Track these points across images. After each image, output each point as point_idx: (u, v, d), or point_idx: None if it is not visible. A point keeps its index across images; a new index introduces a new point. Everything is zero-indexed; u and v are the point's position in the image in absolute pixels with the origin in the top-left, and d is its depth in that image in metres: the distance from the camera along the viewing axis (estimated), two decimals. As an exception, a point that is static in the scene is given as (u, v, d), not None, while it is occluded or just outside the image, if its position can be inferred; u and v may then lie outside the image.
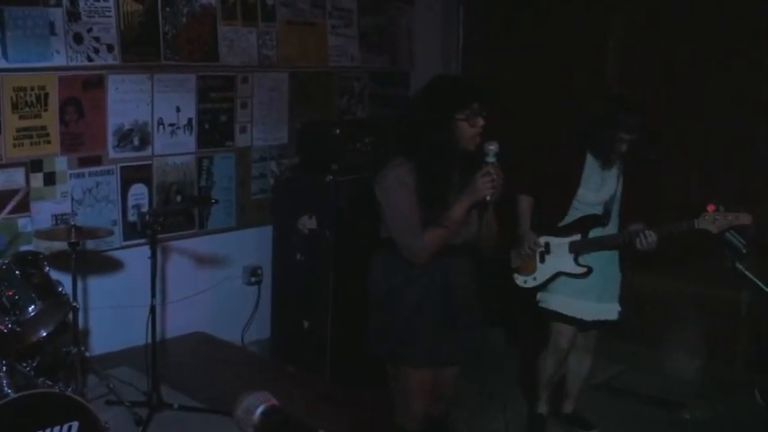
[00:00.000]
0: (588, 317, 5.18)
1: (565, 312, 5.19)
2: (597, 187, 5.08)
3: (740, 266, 3.64)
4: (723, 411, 5.91)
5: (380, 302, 4.06)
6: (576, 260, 5.10)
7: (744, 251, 3.69)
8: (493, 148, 3.86)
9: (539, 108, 6.72)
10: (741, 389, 6.09)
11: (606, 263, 5.15)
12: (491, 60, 7.33)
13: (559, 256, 5.14)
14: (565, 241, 5.12)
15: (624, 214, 5.06)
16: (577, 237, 5.11)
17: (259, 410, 1.96)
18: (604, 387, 6.33)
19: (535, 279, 5.24)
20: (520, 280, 5.29)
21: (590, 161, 5.09)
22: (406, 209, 3.87)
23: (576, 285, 5.14)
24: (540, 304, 5.27)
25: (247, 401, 1.99)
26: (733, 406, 5.97)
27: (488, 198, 3.85)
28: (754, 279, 3.63)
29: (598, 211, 5.09)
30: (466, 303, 4.09)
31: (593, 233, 5.09)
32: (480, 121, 3.87)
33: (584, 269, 5.09)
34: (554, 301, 5.20)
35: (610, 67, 6.70)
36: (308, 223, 6.12)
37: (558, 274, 5.15)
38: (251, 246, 6.61)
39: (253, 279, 6.63)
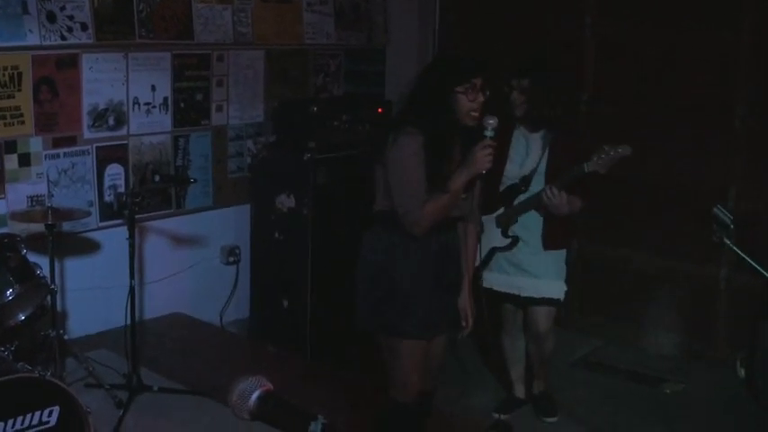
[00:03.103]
0: (523, 293, 5.13)
1: (498, 289, 5.14)
2: (522, 160, 5.02)
3: (728, 242, 3.63)
4: (701, 386, 5.95)
5: (374, 277, 4.01)
6: (503, 233, 5.07)
7: (732, 226, 3.66)
8: (492, 122, 3.83)
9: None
10: (719, 364, 6.13)
11: (530, 237, 5.06)
12: (467, 38, 7.29)
13: (490, 232, 5.07)
14: (492, 217, 5.07)
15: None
16: (501, 210, 5.08)
17: (255, 395, 1.92)
18: (581, 362, 6.33)
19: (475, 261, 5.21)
20: None
21: (515, 135, 5.04)
22: (414, 177, 3.82)
23: (507, 261, 5.11)
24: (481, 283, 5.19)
25: (242, 386, 1.94)
26: (711, 381, 6.01)
27: (484, 172, 3.84)
28: (743, 254, 3.62)
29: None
30: (456, 275, 4.10)
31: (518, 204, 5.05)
32: (480, 97, 3.84)
33: (510, 239, 5.06)
34: (489, 278, 5.14)
35: (586, 45, 6.68)
36: (286, 202, 6.08)
37: (492, 250, 5.09)
38: (228, 225, 6.58)
39: (231, 259, 6.59)
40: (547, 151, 4.97)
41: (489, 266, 5.13)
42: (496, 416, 5.39)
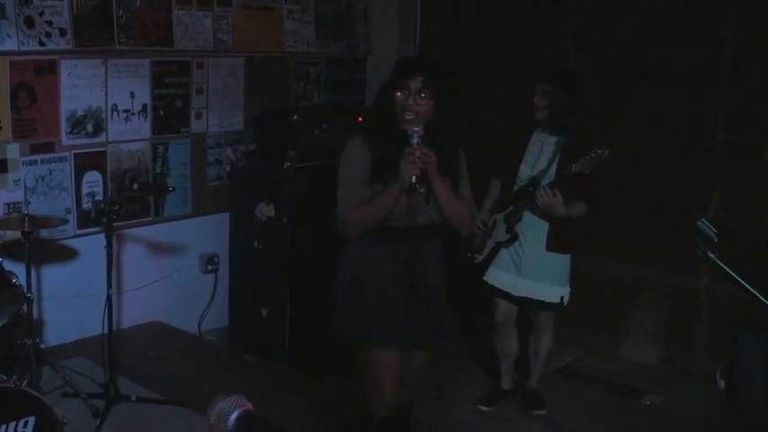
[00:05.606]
0: (516, 291, 5.30)
1: (495, 285, 5.34)
2: (534, 161, 5.19)
3: (712, 256, 3.61)
4: (681, 398, 5.95)
5: (346, 288, 4.02)
6: (507, 230, 5.25)
7: (716, 240, 3.64)
8: (417, 129, 3.71)
9: (498, 92, 6.71)
10: (700, 375, 6.13)
11: (534, 238, 5.22)
12: (449, 46, 7.29)
13: (498, 228, 5.31)
14: (502, 215, 5.30)
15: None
16: (511, 208, 5.26)
17: (233, 416, 1.88)
18: (561, 373, 6.33)
19: (481, 254, 5.44)
20: (476, 257, 5.48)
21: (533, 138, 5.22)
22: (346, 180, 3.88)
23: (510, 259, 5.29)
24: (483, 278, 5.42)
25: (221, 406, 1.90)
26: (691, 392, 6.01)
27: (414, 180, 3.71)
28: (727, 269, 3.59)
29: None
30: (434, 288, 4.02)
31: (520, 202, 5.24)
32: (414, 100, 3.74)
33: (509, 235, 5.24)
34: (490, 273, 5.37)
35: (568, 54, 6.69)
36: (265, 210, 6.04)
37: (497, 245, 5.32)
38: (207, 233, 6.53)
39: (209, 267, 6.55)
40: (558, 155, 5.10)
41: (494, 262, 5.35)
42: (482, 408, 5.62)
